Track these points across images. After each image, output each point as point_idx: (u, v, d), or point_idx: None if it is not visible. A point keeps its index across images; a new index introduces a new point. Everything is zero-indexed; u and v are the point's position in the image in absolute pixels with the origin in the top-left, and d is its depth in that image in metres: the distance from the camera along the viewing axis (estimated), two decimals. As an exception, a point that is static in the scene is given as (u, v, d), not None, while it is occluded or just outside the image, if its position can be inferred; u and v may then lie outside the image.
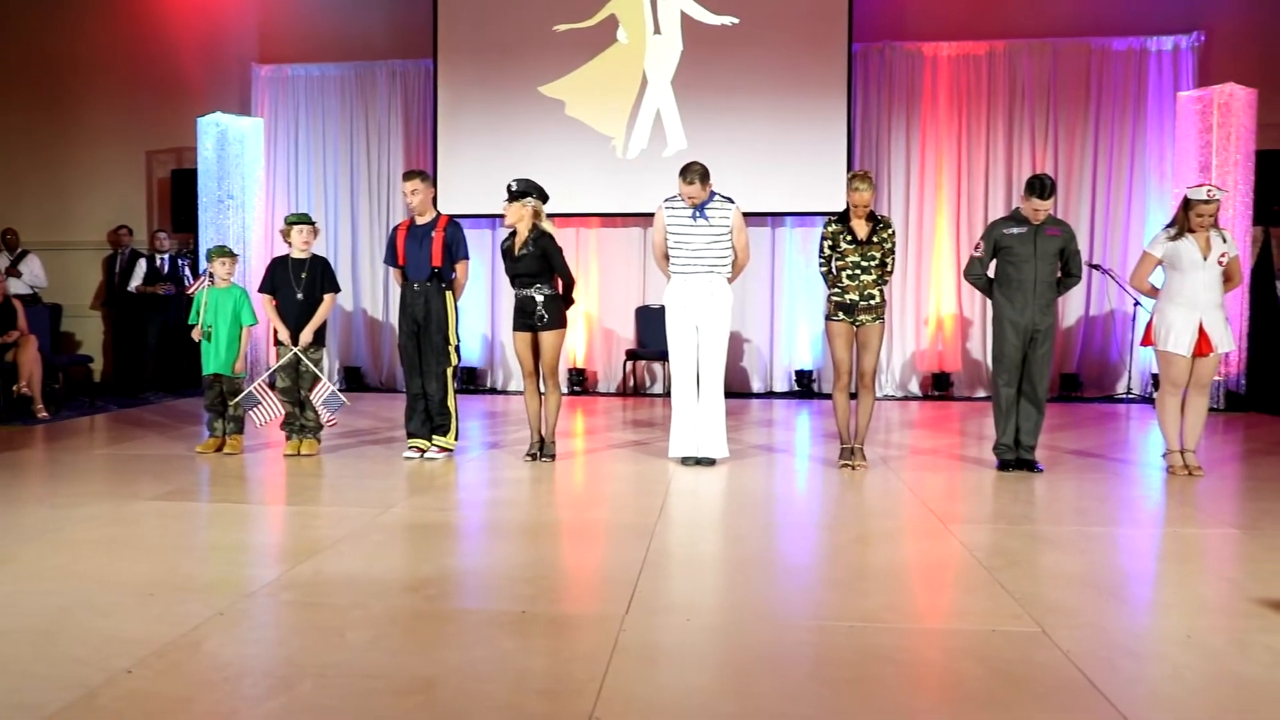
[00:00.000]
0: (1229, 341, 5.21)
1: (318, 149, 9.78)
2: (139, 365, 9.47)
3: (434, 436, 5.65)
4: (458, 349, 5.65)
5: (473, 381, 9.54)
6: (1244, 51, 8.81)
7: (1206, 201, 5.06)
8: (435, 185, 8.10)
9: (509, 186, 5.40)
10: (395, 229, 5.71)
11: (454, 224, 5.65)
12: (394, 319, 9.12)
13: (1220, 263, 5.10)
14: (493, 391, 9.54)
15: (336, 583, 3.22)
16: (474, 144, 9.29)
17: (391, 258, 5.66)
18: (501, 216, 9.19)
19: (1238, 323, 8.11)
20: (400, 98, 9.63)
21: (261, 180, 9.60)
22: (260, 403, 5.60)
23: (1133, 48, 8.97)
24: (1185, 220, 5.13)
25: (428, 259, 5.52)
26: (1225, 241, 5.14)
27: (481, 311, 9.62)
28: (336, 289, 5.87)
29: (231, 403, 5.75)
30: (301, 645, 2.67)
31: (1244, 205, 8.17)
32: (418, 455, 5.63)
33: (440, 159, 9.32)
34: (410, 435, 5.67)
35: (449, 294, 5.58)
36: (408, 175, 5.62)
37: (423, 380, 5.60)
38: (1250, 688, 2.41)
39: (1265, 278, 8.51)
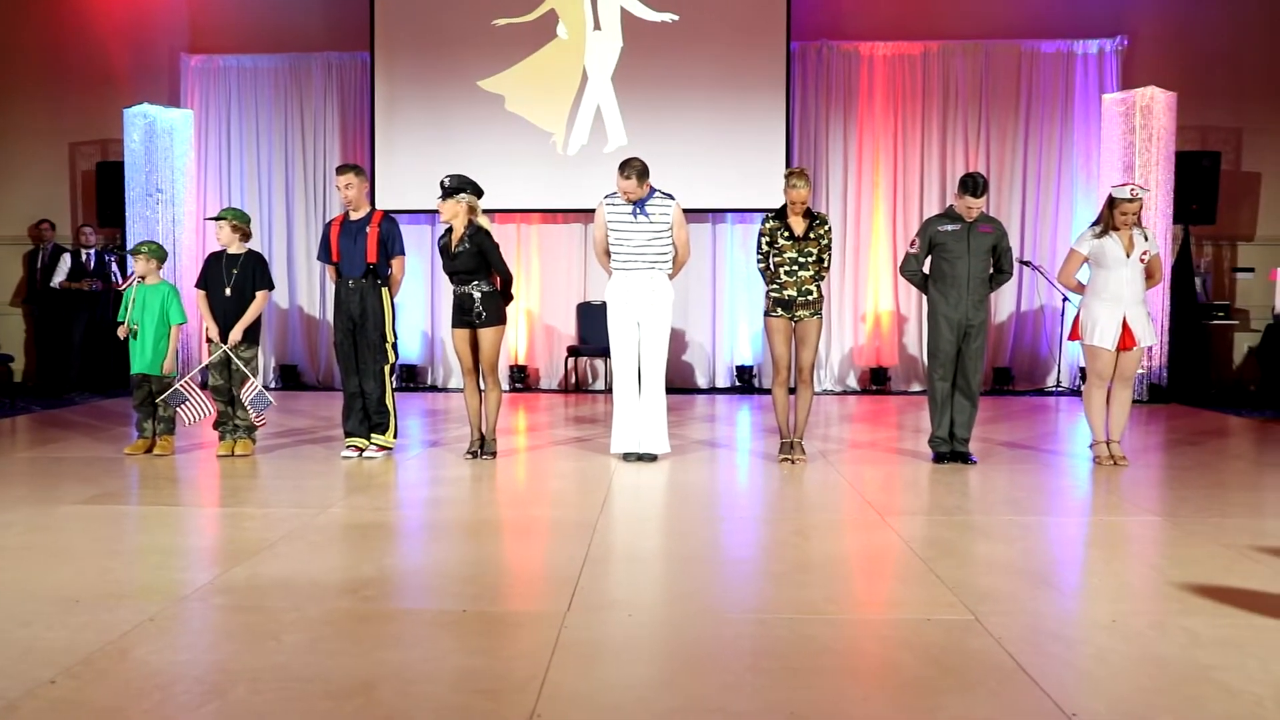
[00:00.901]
0: (1151, 336, 5.38)
1: (250, 142, 9.57)
2: (63, 364, 9.17)
3: (372, 435, 5.57)
4: (395, 346, 5.59)
5: (412, 379, 9.44)
6: (1165, 56, 9.11)
7: (1130, 200, 5.22)
8: (372, 180, 8.00)
9: (442, 183, 5.34)
10: (328, 225, 5.61)
11: (389, 219, 5.57)
12: (331, 316, 8.97)
13: (1142, 260, 5.27)
14: (433, 389, 9.44)
15: (272, 586, 3.16)
16: (412, 139, 9.18)
17: (325, 254, 5.57)
18: (435, 213, 9.16)
19: (1159, 318, 8.38)
20: (336, 91, 9.47)
21: (192, 174, 9.36)
22: (187, 400, 5.45)
23: (1061, 50, 9.21)
24: (1110, 218, 5.28)
25: (362, 255, 5.44)
26: (1147, 240, 5.31)
27: (420, 308, 9.51)
28: (269, 286, 5.74)
29: (159, 400, 5.60)
30: (235, 650, 2.61)
31: (1164, 204, 8.45)
32: (356, 454, 5.55)
33: (377, 154, 9.19)
34: (348, 434, 5.59)
35: (385, 290, 5.51)
36: (342, 169, 5.53)
37: (360, 378, 5.53)
38: (1169, 668, 2.50)
39: (1185, 274, 8.81)
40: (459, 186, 5.33)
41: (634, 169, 5.24)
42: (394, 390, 5.65)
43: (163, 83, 9.55)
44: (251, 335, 5.65)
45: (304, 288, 9.61)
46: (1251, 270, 9.29)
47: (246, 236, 5.72)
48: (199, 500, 4.58)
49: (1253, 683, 2.41)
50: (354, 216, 5.52)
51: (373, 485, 4.85)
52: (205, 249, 8.93)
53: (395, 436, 5.66)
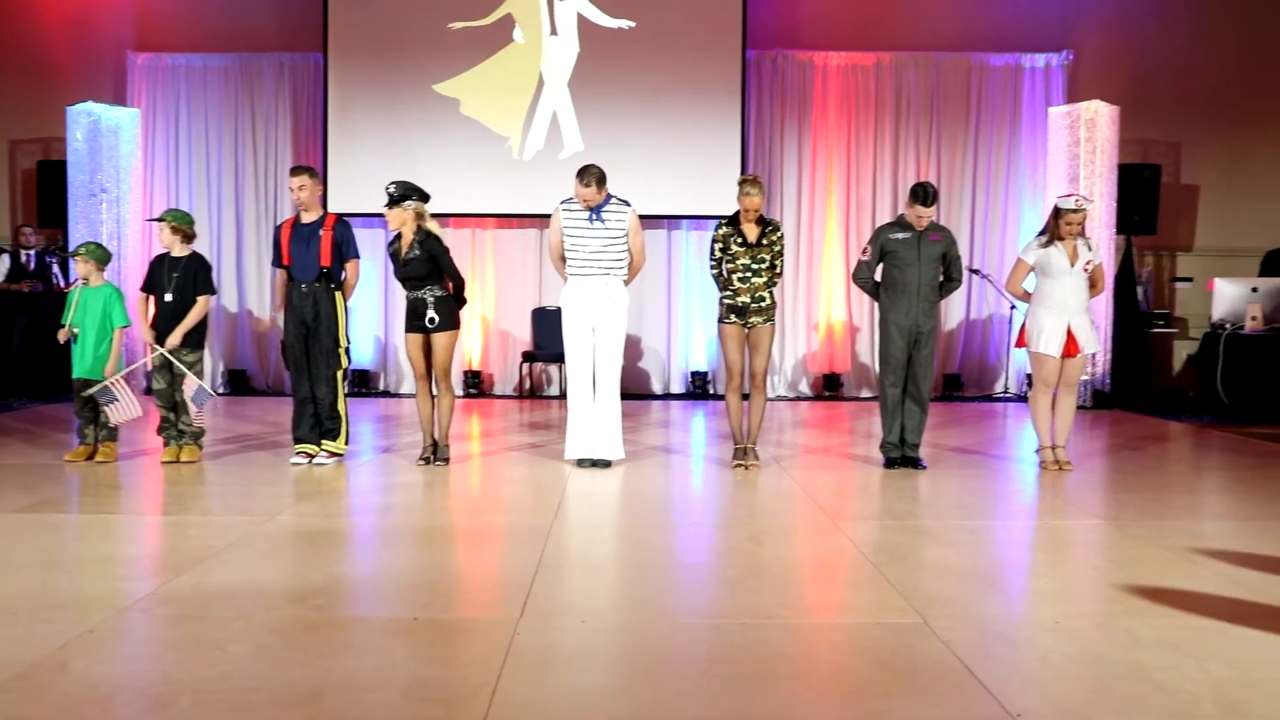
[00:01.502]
0: (1094, 343, 5.50)
1: (200, 143, 9.38)
2: (2, 368, 8.91)
3: (323, 441, 5.50)
4: (348, 351, 5.52)
5: (365, 384, 9.33)
6: (1109, 71, 9.33)
7: (1075, 210, 5.33)
8: (325, 183, 7.89)
9: (387, 190, 5.29)
10: (279, 228, 5.52)
11: (342, 222, 5.51)
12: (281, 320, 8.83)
13: (1086, 269, 5.38)
14: (386, 394, 9.34)
15: (218, 595, 3.10)
16: (366, 141, 9.08)
17: (277, 258, 5.48)
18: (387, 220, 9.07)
19: (1103, 326, 8.57)
20: (289, 92, 9.33)
21: (138, 174, 9.16)
22: (117, 400, 5.31)
23: (1009, 64, 9.39)
24: (1055, 228, 5.39)
25: (315, 259, 5.37)
26: (1090, 249, 5.43)
27: (373, 312, 9.41)
28: (210, 291, 5.59)
29: (84, 393, 5.44)
30: (179, 660, 2.56)
31: (1108, 215, 8.65)
32: (305, 461, 5.47)
33: (331, 156, 9.07)
34: (298, 440, 5.51)
35: (338, 295, 5.45)
36: (295, 170, 5.46)
37: (311, 384, 5.45)
38: (1111, 668, 2.55)
39: (1127, 283, 9.02)
40: (405, 194, 5.29)
41: (593, 176, 5.24)
42: (346, 396, 5.58)
43: (108, 80, 9.34)
44: (194, 339, 5.53)
45: (254, 291, 9.45)
46: (1190, 280, 9.54)
47: (189, 238, 5.60)
48: (142, 508, 4.48)
49: (1190, 682, 2.46)
50: (306, 219, 5.44)
51: (323, 492, 4.78)
52: (151, 251, 8.71)
53: (347, 443, 5.59)
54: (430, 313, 5.34)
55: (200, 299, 5.52)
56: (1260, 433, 7.16)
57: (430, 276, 5.33)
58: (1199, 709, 2.32)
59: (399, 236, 5.36)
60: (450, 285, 5.42)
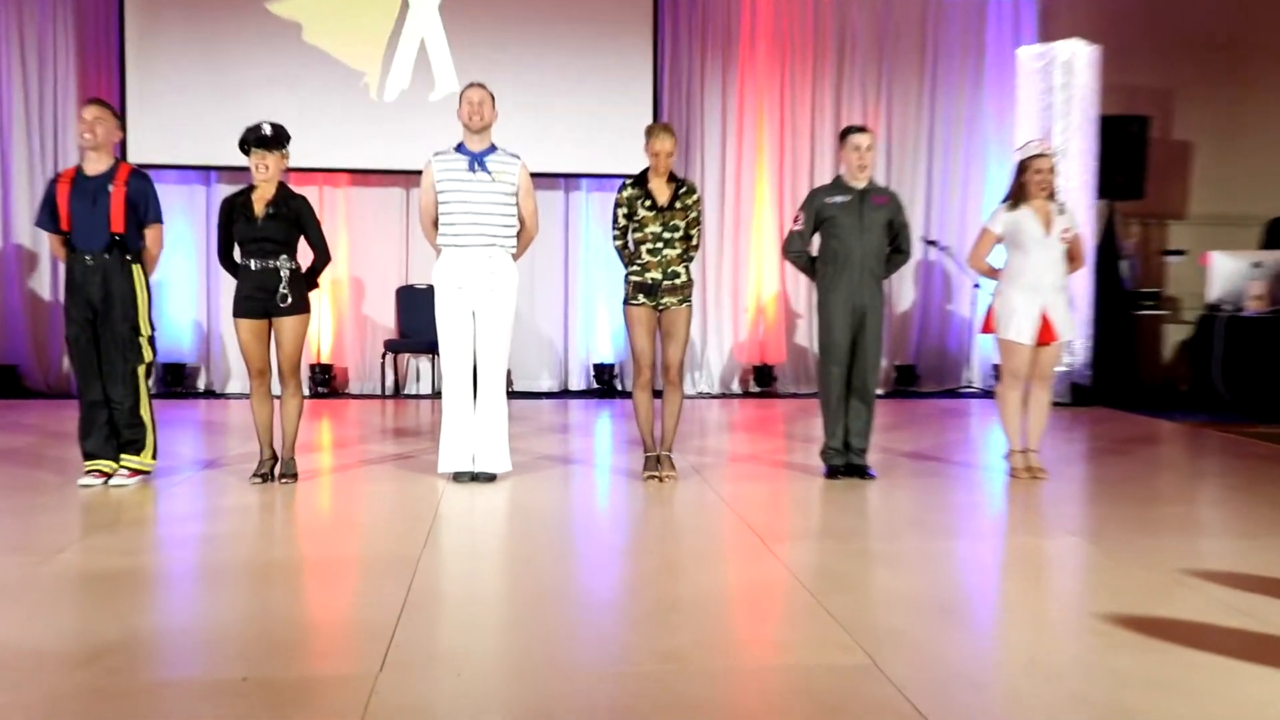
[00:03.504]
0: (1073, 328, 5.68)
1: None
2: None
3: (122, 456, 5.32)
4: (152, 341, 5.34)
5: (179, 383, 9.08)
6: (1088, 4, 9.65)
7: (1041, 155, 5.49)
8: (123, 129, 7.59)
9: (261, 129, 5.20)
10: (53, 181, 5.27)
11: (140, 175, 5.32)
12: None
13: (1064, 239, 5.54)
14: (208, 395, 9.10)
15: (-16, 652, 2.96)
16: (176, 75, 8.79)
17: (49, 220, 5.24)
18: (212, 169, 8.83)
19: (1081, 307, 8.85)
20: (71, 6, 8.92)
21: None
22: None
23: (971, -5, 9.64)
24: (1022, 187, 5.53)
25: (104, 222, 5.16)
26: (1063, 214, 5.59)
27: (190, 290, 9.15)
28: None
29: None
30: (-70, 739, 2.43)
31: (1087, 176, 8.92)
32: (99, 481, 5.28)
33: (129, 93, 8.75)
34: (88, 455, 5.31)
35: (136, 269, 5.26)
36: (90, 102, 5.25)
37: (104, 383, 5.25)
38: (1094, 712, 2.62)
39: (1109, 258, 9.32)
40: (283, 136, 5.27)
41: (482, 87, 5.31)
42: (151, 397, 5.40)
43: None
44: None
45: (28, 264, 9.06)
46: (1183, 253, 9.93)
47: None
48: (-115, 544, 4.26)
49: (1183, 726, 2.55)
50: (90, 170, 5.21)
51: (122, 521, 4.63)
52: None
53: (154, 457, 5.42)
54: (283, 288, 5.22)
55: None
56: (1264, 433, 7.49)
57: (288, 244, 5.26)
58: (1192, 757, 2.40)
59: (249, 190, 5.25)
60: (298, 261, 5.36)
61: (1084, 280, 8.80)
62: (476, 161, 5.31)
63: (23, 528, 4.46)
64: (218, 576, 3.82)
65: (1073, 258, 5.66)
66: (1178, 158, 9.94)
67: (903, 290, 9.69)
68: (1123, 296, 9.40)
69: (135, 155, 8.46)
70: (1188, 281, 9.84)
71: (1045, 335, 5.56)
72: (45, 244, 8.91)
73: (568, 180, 9.35)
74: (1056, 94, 8.89)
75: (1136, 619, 3.34)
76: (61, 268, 8.73)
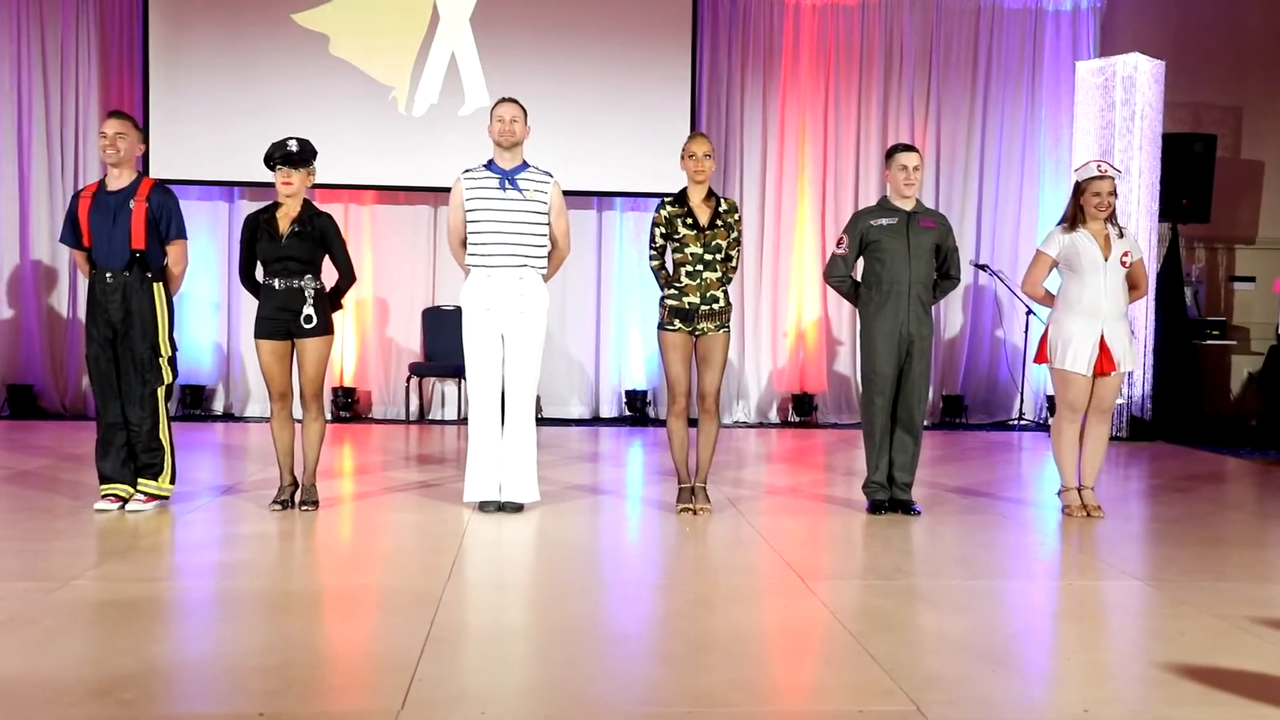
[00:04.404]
0: (1133, 359, 5.64)
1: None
2: None
3: (140, 480, 5.38)
4: (174, 362, 5.41)
5: (198, 404, 9.17)
6: (1152, 17, 9.61)
7: (1100, 178, 5.46)
8: (146, 142, 7.72)
9: (287, 145, 5.28)
10: (76, 197, 5.39)
11: (162, 190, 5.40)
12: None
13: (1123, 264, 5.51)
14: (228, 418, 9.19)
15: (-5, 682, 3.00)
16: (199, 87, 8.93)
17: (71, 236, 5.35)
18: (235, 184, 8.96)
19: (1142, 337, 8.78)
20: (95, 18, 9.09)
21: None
22: None
23: (1028, 7, 9.64)
24: (1079, 209, 5.51)
25: (124, 239, 5.25)
26: (1123, 237, 5.55)
27: (211, 310, 9.26)
28: None
29: None
30: (-60, 770, 2.47)
31: (1149, 198, 8.87)
32: (116, 506, 5.35)
33: (153, 107, 8.90)
34: (105, 479, 5.38)
35: (158, 287, 5.34)
36: (114, 114, 5.36)
37: (123, 405, 5.33)
38: (1151, 768, 2.60)
39: (1173, 284, 9.23)
40: (309, 153, 5.34)
41: (514, 102, 5.36)
42: (170, 420, 5.47)
43: None
44: None
45: (46, 281, 9.21)
46: (1252, 280, 9.83)
47: None
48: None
49: (1247, 782, 2.53)
50: (113, 186, 5.32)
51: (139, 548, 4.67)
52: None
53: (172, 482, 5.48)
54: (308, 309, 5.29)
55: None
56: (1333, 470, 7.39)
57: (311, 264, 5.32)
58: (1256, 815, 2.37)
59: (273, 208, 5.33)
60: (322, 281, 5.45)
61: (1145, 308, 8.73)
62: (507, 179, 5.36)
63: (36, 553, 4.51)
64: (235, 606, 3.85)
65: (1134, 284, 5.63)
66: (1246, 178, 9.85)
67: (951, 316, 9.65)
68: (1187, 325, 9.31)
69: (157, 170, 8.59)
70: (1257, 310, 9.76)
71: (1104, 365, 5.51)
72: (64, 261, 9.08)
73: (601, 199, 9.40)
74: (1117, 111, 8.84)
75: (1200, 669, 3.30)
76: (81, 285, 8.94)
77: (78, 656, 3.28)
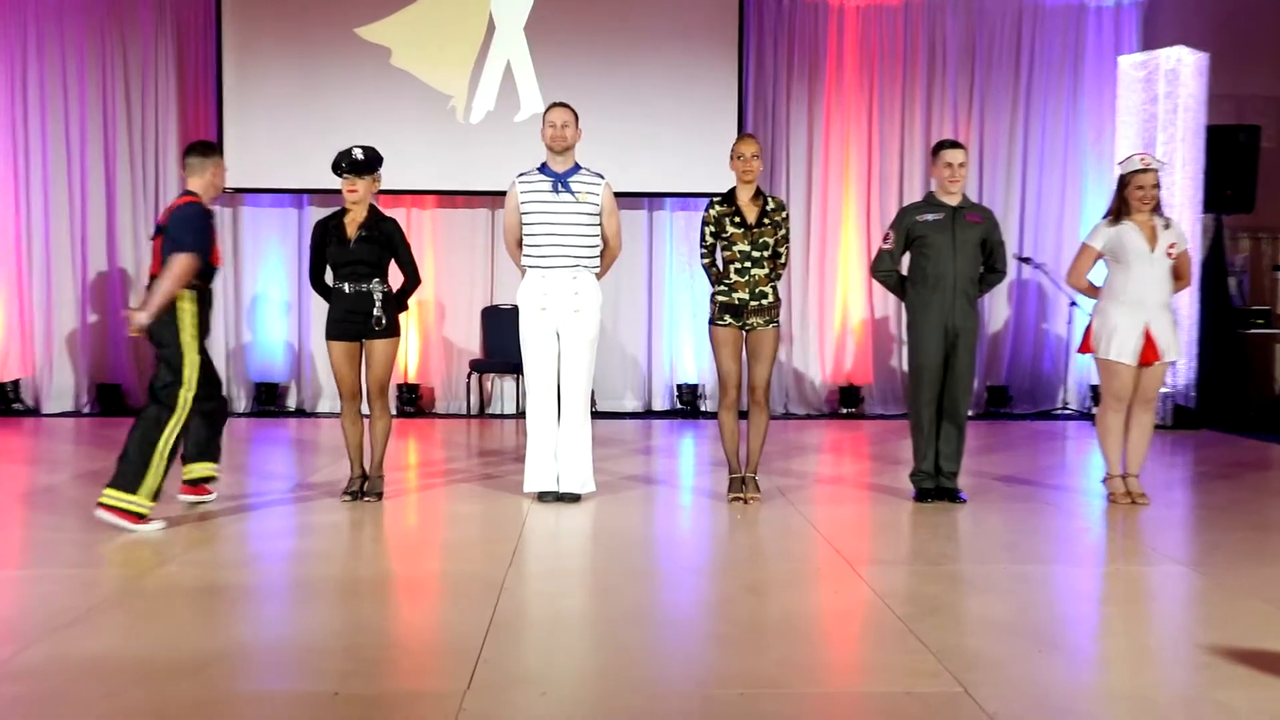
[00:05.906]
0: (1178, 349, 5.55)
1: (55, 94, 9.19)
2: None
3: (107, 490, 4.81)
4: (193, 399, 4.95)
5: (271, 401, 9.30)
6: (1195, 10, 9.42)
7: (1144, 170, 5.38)
8: (220, 151, 7.81)
9: (353, 154, 5.33)
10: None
11: (187, 205, 4.99)
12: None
13: (1169, 254, 5.43)
14: (299, 414, 9.31)
15: (81, 668, 3.07)
16: (271, 102, 9.05)
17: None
18: (304, 192, 9.07)
19: (1186, 326, 8.64)
20: (172, 35, 9.24)
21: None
22: None
23: (1069, 3, 9.50)
24: (1124, 202, 5.44)
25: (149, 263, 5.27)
26: (1169, 228, 5.47)
27: (282, 313, 9.39)
28: None
29: None
30: (36, 746, 2.54)
31: (1193, 189, 8.71)
32: (193, 498, 5.40)
33: (226, 119, 9.02)
34: (188, 461, 5.39)
35: (180, 308, 4.88)
36: (189, 149, 5.37)
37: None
38: (1196, 748, 2.57)
39: (1217, 274, 9.09)
40: (375, 160, 5.38)
41: (565, 107, 5.38)
42: (174, 451, 4.92)
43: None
44: None
45: (131, 288, 9.37)
46: (1295, 269, 9.64)
47: None
48: (-9, 557, 4.45)
49: (1292, 761, 2.49)
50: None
51: (221, 536, 4.76)
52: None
53: (153, 499, 4.82)
54: (377, 311, 5.36)
55: None
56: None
57: (379, 267, 5.39)
58: (1301, 794, 2.34)
59: (341, 213, 5.41)
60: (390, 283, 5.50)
61: (1189, 298, 8.60)
62: (560, 182, 5.38)
63: (123, 540, 4.61)
64: (310, 592, 3.92)
65: (1179, 275, 5.54)
66: (1291, 169, 9.64)
67: (995, 309, 9.55)
68: (1231, 314, 9.16)
69: (230, 180, 8.67)
70: (1301, 299, 9.56)
71: (1148, 355, 5.44)
72: (146, 269, 9.21)
73: (651, 199, 9.40)
74: (1160, 104, 8.69)
75: (1246, 652, 3.25)
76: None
77: (166, 637, 3.35)
